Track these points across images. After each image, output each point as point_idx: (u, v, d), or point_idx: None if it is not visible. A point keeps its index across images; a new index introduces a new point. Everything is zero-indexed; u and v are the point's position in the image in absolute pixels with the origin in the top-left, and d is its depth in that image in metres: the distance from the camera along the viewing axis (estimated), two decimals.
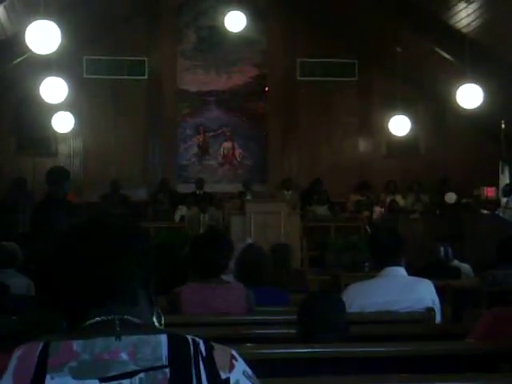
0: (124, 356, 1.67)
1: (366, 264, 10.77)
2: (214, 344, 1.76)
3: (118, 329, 1.72)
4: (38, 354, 1.67)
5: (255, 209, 12.03)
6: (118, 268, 1.80)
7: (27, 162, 15.86)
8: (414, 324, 4.50)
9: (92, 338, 1.70)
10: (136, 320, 1.77)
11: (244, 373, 1.75)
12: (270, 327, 4.35)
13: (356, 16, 15.25)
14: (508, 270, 6.84)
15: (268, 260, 5.94)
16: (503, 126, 14.45)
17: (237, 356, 1.77)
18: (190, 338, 1.74)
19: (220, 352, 1.74)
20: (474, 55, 12.46)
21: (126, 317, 1.76)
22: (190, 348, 1.71)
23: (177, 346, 1.71)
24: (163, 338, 1.71)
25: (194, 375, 1.68)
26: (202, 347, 1.72)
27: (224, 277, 4.93)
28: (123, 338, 1.69)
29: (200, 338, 1.75)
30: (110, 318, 1.75)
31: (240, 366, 1.75)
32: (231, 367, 1.73)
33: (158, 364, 1.67)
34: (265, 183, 16.70)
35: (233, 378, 1.72)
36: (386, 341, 3.77)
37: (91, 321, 1.76)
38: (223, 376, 1.71)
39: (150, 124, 16.61)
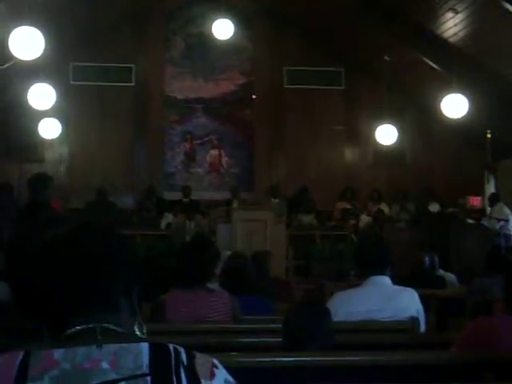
0: (105, 365, 1.66)
1: (352, 273, 10.75)
2: (195, 353, 1.75)
3: (98, 337, 1.71)
4: (18, 362, 1.66)
5: (241, 217, 12.02)
6: (99, 276, 1.79)
7: (14, 167, 15.75)
8: (398, 333, 4.50)
9: (73, 346, 1.68)
10: (117, 328, 1.76)
11: (225, 381, 1.74)
12: (256, 336, 4.33)
13: (343, 25, 15.28)
14: (494, 279, 6.87)
15: (252, 268, 5.93)
16: (489, 135, 14.50)
17: (218, 364, 1.76)
18: (171, 346, 1.73)
19: (201, 360, 1.73)
20: (460, 65, 12.52)
21: (106, 325, 1.74)
22: (171, 356, 1.70)
23: (158, 355, 1.70)
24: (144, 346, 1.70)
25: (175, 383, 1.67)
26: (184, 356, 1.72)
27: (209, 285, 4.92)
28: (104, 346, 1.68)
29: (181, 346, 1.75)
30: (90, 326, 1.74)
31: (221, 374, 1.75)
32: (212, 375, 1.72)
33: (139, 372, 1.66)
34: (252, 191, 16.68)
35: None
36: (370, 350, 3.77)
37: (72, 329, 1.75)
38: None
39: (137, 131, 16.59)
